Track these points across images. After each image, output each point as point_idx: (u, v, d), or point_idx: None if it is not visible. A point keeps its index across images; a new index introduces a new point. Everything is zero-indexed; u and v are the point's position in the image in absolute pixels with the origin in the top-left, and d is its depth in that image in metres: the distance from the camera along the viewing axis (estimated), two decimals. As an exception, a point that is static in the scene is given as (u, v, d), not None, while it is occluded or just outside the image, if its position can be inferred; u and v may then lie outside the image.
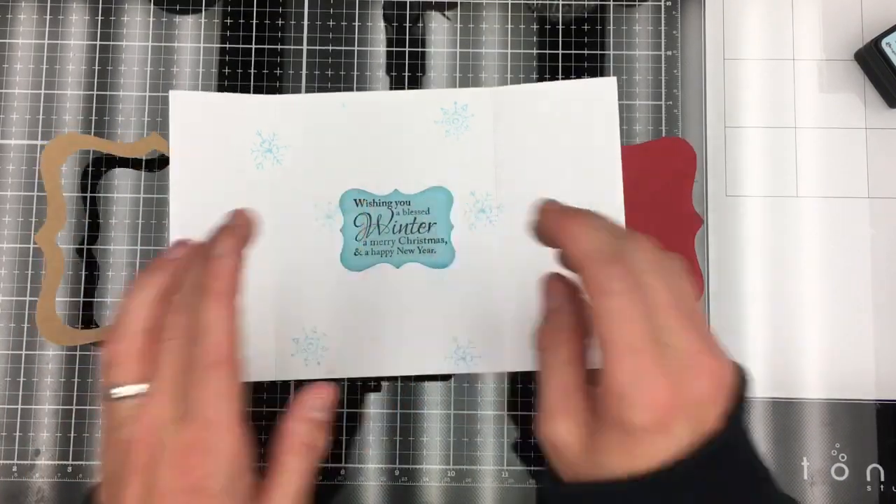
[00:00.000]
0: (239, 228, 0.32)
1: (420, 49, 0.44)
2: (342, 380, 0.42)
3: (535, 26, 0.44)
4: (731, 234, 0.43)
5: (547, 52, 0.44)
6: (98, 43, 0.44)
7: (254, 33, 0.44)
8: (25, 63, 0.43)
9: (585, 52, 0.44)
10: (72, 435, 0.41)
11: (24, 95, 0.43)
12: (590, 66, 0.44)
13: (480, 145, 0.42)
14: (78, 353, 0.42)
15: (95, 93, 0.43)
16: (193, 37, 0.44)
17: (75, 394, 0.41)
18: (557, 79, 0.44)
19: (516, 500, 0.41)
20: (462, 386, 0.42)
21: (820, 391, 0.42)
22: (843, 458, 0.41)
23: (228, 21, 0.44)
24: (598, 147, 0.42)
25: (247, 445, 0.29)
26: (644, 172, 0.42)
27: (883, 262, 0.43)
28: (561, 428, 0.28)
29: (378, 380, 0.42)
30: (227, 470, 0.28)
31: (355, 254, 0.42)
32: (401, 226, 0.42)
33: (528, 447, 0.42)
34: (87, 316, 0.42)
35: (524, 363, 0.41)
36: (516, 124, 0.42)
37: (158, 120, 0.43)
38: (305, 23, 0.44)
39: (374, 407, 0.42)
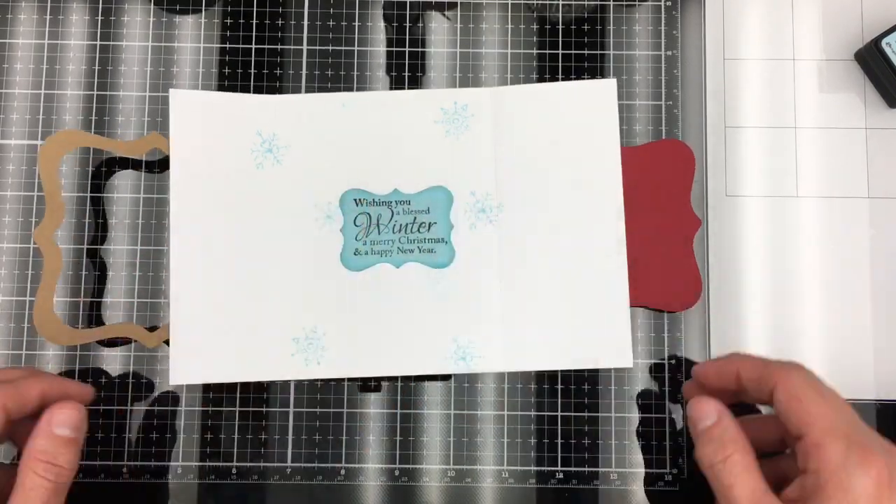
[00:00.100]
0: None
1: (420, 49, 0.44)
2: (342, 379, 0.42)
3: (535, 26, 0.44)
4: (731, 234, 0.43)
5: (547, 52, 0.44)
6: (98, 43, 0.44)
7: (254, 33, 0.44)
8: (25, 63, 0.43)
9: (585, 52, 0.44)
10: (72, 435, 0.41)
11: (24, 95, 0.43)
12: (590, 67, 0.44)
13: (480, 145, 0.42)
14: (78, 353, 0.42)
15: (95, 93, 0.43)
16: (193, 37, 0.44)
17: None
18: (558, 79, 0.44)
19: (516, 500, 0.41)
20: (462, 386, 0.42)
21: (820, 391, 0.42)
22: (843, 458, 0.41)
23: (228, 21, 0.44)
24: (598, 148, 0.42)
25: None
26: (643, 174, 0.42)
27: (883, 262, 0.43)
28: None
29: (378, 380, 0.42)
30: None
31: (355, 253, 0.42)
32: (401, 225, 0.42)
33: (528, 447, 0.42)
34: (86, 315, 0.42)
35: (524, 363, 0.41)
36: (516, 124, 0.42)
37: (159, 120, 0.43)
38: (305, 23, 0.44)
39: (374, 407, 0.42)
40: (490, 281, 0.41)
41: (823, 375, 0.42)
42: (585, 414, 0.42)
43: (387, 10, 0.44)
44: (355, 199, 0.42)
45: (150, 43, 0.44)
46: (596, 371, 0.42)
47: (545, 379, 0.42)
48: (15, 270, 0.42)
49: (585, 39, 0.44)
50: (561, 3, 0.44)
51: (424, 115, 0.42)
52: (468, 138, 0.42)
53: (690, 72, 0.44)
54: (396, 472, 0.41)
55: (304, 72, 0.44)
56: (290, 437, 0.42)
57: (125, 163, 0.43)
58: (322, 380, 0.42)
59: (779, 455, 0.37)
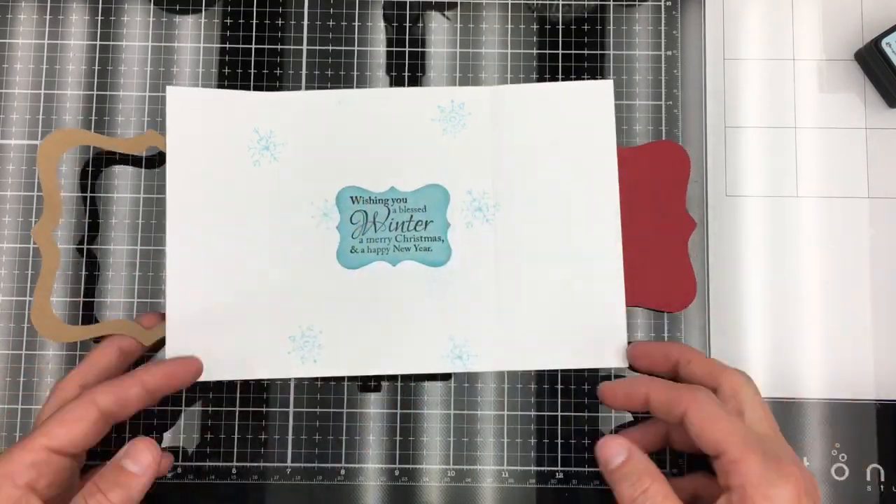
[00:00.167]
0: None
1: (420, 49, 0.44)
2: (341, 379, 0.42)
3: (535, 26, 0.44)
4: (731, 234, 0.43)
5: (547, 52, 0.44)
6: (98, 43, 0.44)
7: (254, 33, 0.44)
8: (25, 63, 0.43)
9: (585, 52, 0.44)
10: (72, 435, 0.41)
11: (24, 95, 0.43)
12: (590, 67, 0.44)
13: (478, 144, 0.42)
14: (78, 353, 0.42)
15: (95, 93, 0.43)
16: (193, 37, 0.44)
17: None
18: (557, 79, 0.44)
19: (516, 500, 0.41)
20: (462, 386, 0.42)
21: (820, 391, 0.42)
22: (843, 458, 0.41)
23: (228, 21, 0.44)
24: (595, 148, 0.42)
25: None
26: (639, 175, 0.42)
27: (883, 262, 0.43)
28: None
29: (378, 379, 0.42)
30: None
31: (351, 251, 0.42)
32: (397, 223, 0.42)
33: (528, 447, 0.42)
34: (86, 315, 0.42)
35: (520, 362, 0.41)
36: (514, 124, 0.42)
37: (158, 120, 0.43)
38: (305, 23, 0.44)
39: (374, 407, 0.42)
40: (486, 280, 0.41)
41: (823, 375, 0.42)
42: (585, 414, 0.42)
43: (387, 10, 0.44)
44: (352, 197, 0.42)
45: (149, 43, 0.44)
46: (596, 371, 0.42)
47: (545, 379, 0.42)
48: (14, 270, 0.42)
49: (585, 39, 0.44)
50: (561, 3, 0.44)
51: (422, 113, 0.42)
52: (465, 137, 0.42)
53: (690, 72, 0.44)
54: (396, 472, 0.41)
55: (303, 72, 0.44)
56: (290, 437, 0.42)
57: (125, 160, 0.43)
58: (319, 378, 0.42)
59: (685, 476, 0.40)
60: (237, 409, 0.42)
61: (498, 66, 0.44)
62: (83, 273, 0.42)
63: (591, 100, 0.42)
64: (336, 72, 0.44)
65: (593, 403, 0.42)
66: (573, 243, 0.41)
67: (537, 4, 0.44)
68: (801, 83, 0.44)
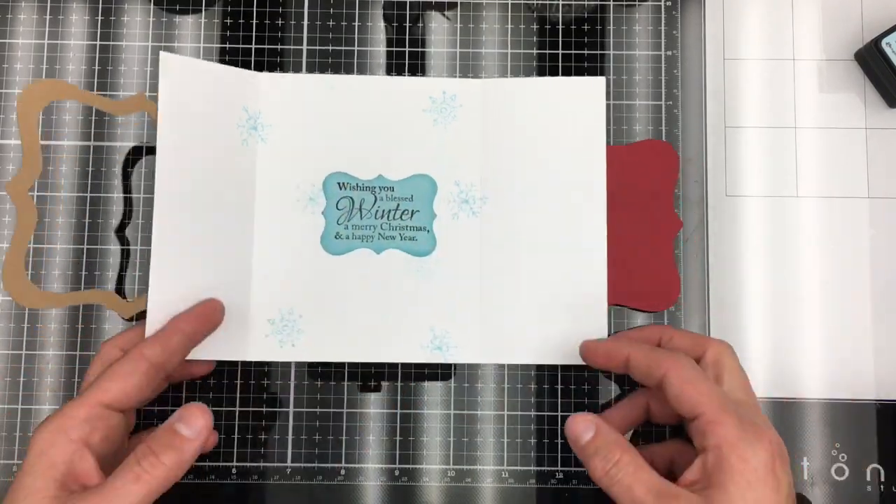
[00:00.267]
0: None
1: (420, 49, 0.44)
2: (342, 378, 0.42)
3: (534, 26, 0.44)
4: (731, 234, 0.43)
5: (547, 52, 0.44)
6: (98, 43, 0.44)
7: (254, 33, 0.44)
8: (25, 63, 0.43)
9: (585, 52, 0.44)
10: (72, 435, 0.41)
11: (24, 95, 0.43)
12: (590, 66, 0.44)
13: (467, 136, 0.42)
14: (78, 353, 0.42)
15: (95, 93, 0.43)
16: (193, 37, 0.44)
17: (75, 394, 0.41)
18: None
19: (516, 500, 0.41)
20: (462, 386, 0.42)
21: (820, 391, 0.42)
22: (843, 458, 0.41)
23: (228, 21, 0.44)
24: (584, 145, 0.42)
25: None
26: (628, 173, 0.42)
27: (883, 262, 0.43)
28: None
29: (378, 379, 0.42)
30: None
31: (336, 237, 0.42)
32: (383, 211, 0.42)
33: (528, 447, 0.42)
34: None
35: (500, 356, 0.41)
36: (504, 117, 0.42)
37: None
38: (305, 23, 0.44)
39: (374, 407, 0.42)
40: (470, 272, 0.41)
41: (823, 375, 0.42)
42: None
43: (387, 10, 0.44)
44: (339, 183, 0.42)
45: (150, 43, 0.44)
46: (596, 371, 0.42)
47: (545, 379, 0.42)
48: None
49: (585, 39, 0.44)
50: (561, 3, 0.44)
51: (413, 103, 0.42)
52: (456, 128, 0.42)
53: (690, 72, 0.44)
54: (396, 472, 0.41)
55: (304, 72, 0.44)
56: (290, 437, 0.42)
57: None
58: (318, 374, 0.42)
59: (661, 443, 0.40)
60: (237, 409, 0.42)
61: (498, 66, 0.44)
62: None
63: (583, 96, 0.42)
64: (336, 72, 0.44)
65: (593, 403, 0.42)
66: (558, 239, 0.41)
67: (537, 4, 0.44)
68: (801, 83, 0.44)
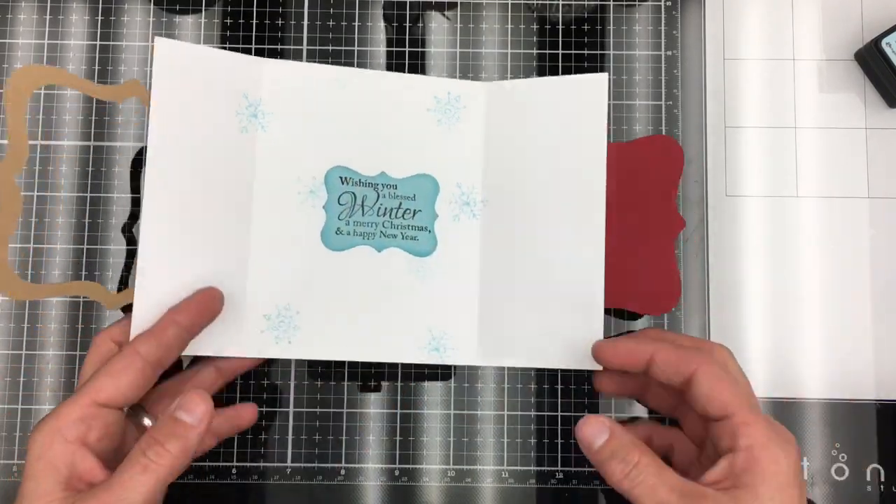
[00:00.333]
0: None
1: (420, 49, 0.44)
2: (342, 378, 0.42)
3: (535, 26, 0.44)
4: (731, 234, 0.43)
5: (547, 52, 0.44)
6: (98, 43, 0.44)
7: (254, 33, 0.44)
8: (25, 62, 0.43)
9: (585, 52, 0.44)
10: (72, 435, 0.41)
11: (24, 95, 0.43)
12: (590, 66, 0.44)
13: (470, 138, 0.41)
14: (78, 353, 0.42)
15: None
16: (193, 37, 0.44)
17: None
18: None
19: (516, 500, 0.41)
20: (462, 386, 0.42)
21: (820, 391, 0.42)
22: (843, 458, 0.41)
23: (228, 21, 0.44)
24: (585, 143, 0.40)
25: None
26: (631, 170, 0.41)
27: (883, 262, 0.43)
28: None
29: (378, 379, 0.42)
30: None
31: (337, 233, 0.41)
32: (386, 209, 0.41)
33: (528, 447, 0.42)
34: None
35: (497, 359, 0.41)
36: (507, 120, 0.41)
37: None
38: (305, 23, 0.44)
39: (374, 407, 0.42)
40: (469, 275, 0.41)
41: (823, 375, 0.42)
42: (585, 414, 0.42)
43: (387, 10, 0.44)
44: (341, 177, 0.41)
45: (150, 43, 0.44)
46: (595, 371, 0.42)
47: (545, 379, 0.42)
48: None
49: (585, 39, 0.44)
50: (561, 3, 0.44)
51: (418, 101, 0.41)
52: (459, 130, 0.41)
53: (690, 72, 0.44)
54: (396, 472, 0.41)
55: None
56: (290, 437, 0.42)
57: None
58: (318, 374, 0.42)
59: (638, 426, 0.40)
60: (237, 409, 0.42)
61: (498, 66, 0.44)
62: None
63: (585, 94, 0.40)
64: (336, 72, 0.44)
65: (593, 403, 0.42)
66: (556, 241, 0.40)
67: (537, 4, 0.44)
68: (801, 83, 0.44)
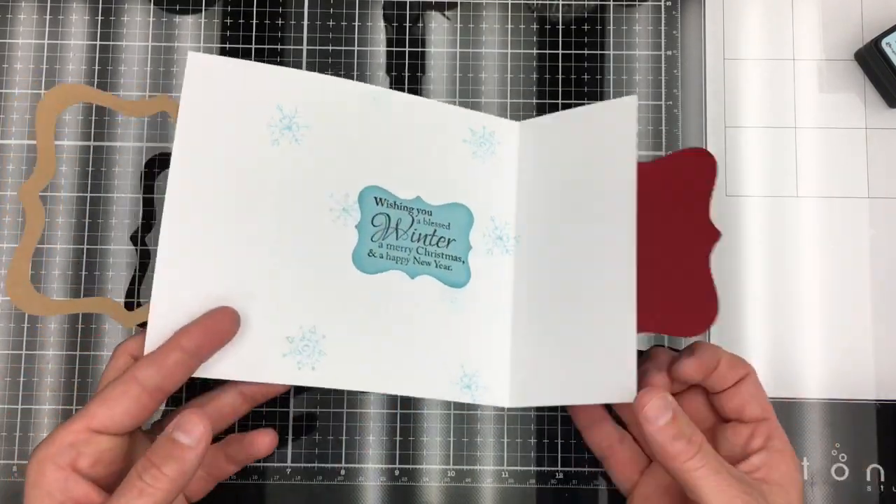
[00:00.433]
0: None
1: (420, 49, 0.44)
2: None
3: (535, 26, 0.44)
4: (731, 234, 0.43)
5: (547, 52, 0.44)
6: (98, 43, 0.44)
7: (254, 33, 0.44)
8: (25, 63, 0.43)
9: (585, 52, 0.44)
10: (72, 435, 0.41)
11: (24, 95, 0.43)
12: (590, 66, 0.44)
13: (505, 173, 0.40)
14: (78, 352, 0.42)
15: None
16: (193, 37, 0.44)
17: (75, 394, 0.41)
18: (557, 79, 0.44)
19: (516, 500, 0.41)
20: (462, 386, 0.42)
21: (820, 391, 0.42)
22: (843, 458, 0.41)
23: (228, 21, 0.44)
24: (614, 170, 0.37)
25: None
26: (660, 189, 0.38)
27: (883, 262, 0.43)
28: None
29: (378, 380, 0.42)
30: None
31: (369, 255, 0.38)
32: (420, 235, 0.39)
33: (528, 447, 0.42)
34: (73, 289, 0.42)
35: (527, 398, 0.38)
36: (539, 158, 0.40)
37: (158, 119, 0.43)
38: (305, 23, 0.44)
39: (374, 407, 0.42)
40: (502, 311, 0.39)
41: (823, 375, 0.42)
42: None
43: (387, 10, 0.44)
44: (376, 198, 0.39)
45: (150, 43, 0.44)
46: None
47: (545, 379, 0.42)
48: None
49: (585, 39, 0.44)
50: (561, 3, 0.44)
51: (455, 132, 0.40)
52: (494, 164, 0.40)
53: (690, 72, 0.44)
54: (396, 472, 0.41)
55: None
56: (290, 437, 0.42)
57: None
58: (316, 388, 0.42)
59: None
60: (237, 409, 0.42)
61: (498, 67, 0.44)
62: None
63: (614, 119, 0.38)
64: (336, 72, 0.44)
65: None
66: (586, 276, 0.37)
67: (537, 4, 0.44)
68: (801, 83, 0.44)
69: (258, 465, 0.41)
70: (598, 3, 0.44)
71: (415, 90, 0.44)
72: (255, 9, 0.44)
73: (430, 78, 0.44)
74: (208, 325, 0.35)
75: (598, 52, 0.44)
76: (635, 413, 0.33)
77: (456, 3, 0.44)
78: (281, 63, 0.44)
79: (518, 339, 0.39)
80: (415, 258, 0.39)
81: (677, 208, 0.38)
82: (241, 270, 0.37)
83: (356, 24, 0.44)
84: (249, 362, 0.36)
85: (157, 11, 0.44)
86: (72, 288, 0.42)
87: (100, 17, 0.44)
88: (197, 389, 0.40)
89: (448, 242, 0.39)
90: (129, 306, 0.42)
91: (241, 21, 0.44)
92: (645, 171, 0.37)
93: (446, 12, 0.44)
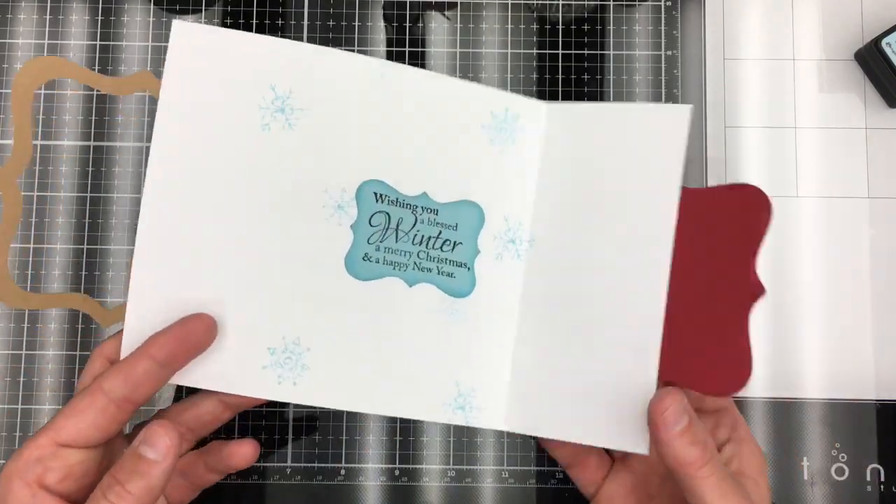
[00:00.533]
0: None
1: (420, 49, 0.44)
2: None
3: (535, 26, 0.44)
4: (731, 234, 0.43)
5: (547, 52, 0.44)
6: (98, 43, 0.44)
7: (254, 33, 0.44)
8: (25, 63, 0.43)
9: (585, 52, 0.44)
10: (72, 435, 0.41)
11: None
12: (590, 66, 0.44)
13: (524, 165, 0.35)
14: (78, 353, 0.42)
15: (95, 93, 0.43)
16: (193, 37, 0.44)
17: (75, 394, 0.41)
18: (557, 79, 0.44)
19: (516, 500, 0.41)
20: (462, 386, 0.42)
21: (820, 391, 0.42)
22: (843, 458, 0.41)
23: (228, 21, 0.44)
24: (655, 187, 0.33)
25: None
26: (705, 222, 0.33)
27: (883, 262, 0.43)
28: None
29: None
30: None
31: (364, 259, 0.35)
32: (423, 237, 0.35)
33: (528, 447, 0.42)
34: (73, 289, 0.42)
35: (525, 427, 0.35)
36: (568, 150, 0.35)
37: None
38: (305, 23, 0.44)
39: (374, 407, 0.42)
40: (506, 326, 0.35)
41: (823, 375, 0.42)
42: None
43: (387, 10, 0.44)
44: (376, 194, 0.35)
45: (150, 43, 0.44)
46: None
47: (545, 379, 0.42)
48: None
49: (585, 39, 0.44)
50: (561, 3, 0.44)
51: (472, 115, 0.35)
52: (513, 153, 0.35)
53: (690, 72, 0.44)
54: (396, 472, 0.41)
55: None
56: (290, 437, 0.42)
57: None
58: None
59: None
60: (237, 409, 0.42)
61: (498, 67, 0.44)
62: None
63: (662, 126, 0.34)
64: (336, 72, 0.44)
65: (593, 403, 0.42)
66: (607, 300, 0.34)
67: (537, 4, 0.44)
68: (801, 83, 0.44)
69: (258, 465, 0.41)
70: (598, 3, 0.44)
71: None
72: (255, 9, 0.44)
73: (430, 78, 0.44)
74: (180, 334, 0.32)
75: (598, 52, 0.44)
76: (650, 415, 0.31)
77: (456, 3, 0.44)
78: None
79: (521, 359, 0.35)
80: (415, 264, 0.35)
81: (719, 252, 0.33)
82: (222, 272, 0.34)
83: (356, 24, 0.44)
84: (226, 373, 0.34)
85: (157, 11, 0.44)
86: (72, 288, 0.42)
87: (100, 17, 0.44)
88: (184, 392, 0.39)
89: (454, 246, 0.35)
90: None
91: (242, 21, 0.44)
92: (686, 196, 0.33)
93: (446, 12, 0.44)
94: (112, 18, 0.44)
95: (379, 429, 0.42)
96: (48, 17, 0.44)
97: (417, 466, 0.41)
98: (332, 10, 0.44)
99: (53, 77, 0.38)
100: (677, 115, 0.34)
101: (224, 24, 0.44)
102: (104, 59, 0.43)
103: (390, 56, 0.44)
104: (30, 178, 0.43)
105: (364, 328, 0.35)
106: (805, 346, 0.42)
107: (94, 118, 0.43)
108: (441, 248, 0.35)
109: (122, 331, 0.33)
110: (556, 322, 0.35)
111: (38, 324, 0.42)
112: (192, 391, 0.35)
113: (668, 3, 0.44)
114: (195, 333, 0.33)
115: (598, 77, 0.44)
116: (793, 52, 0.44)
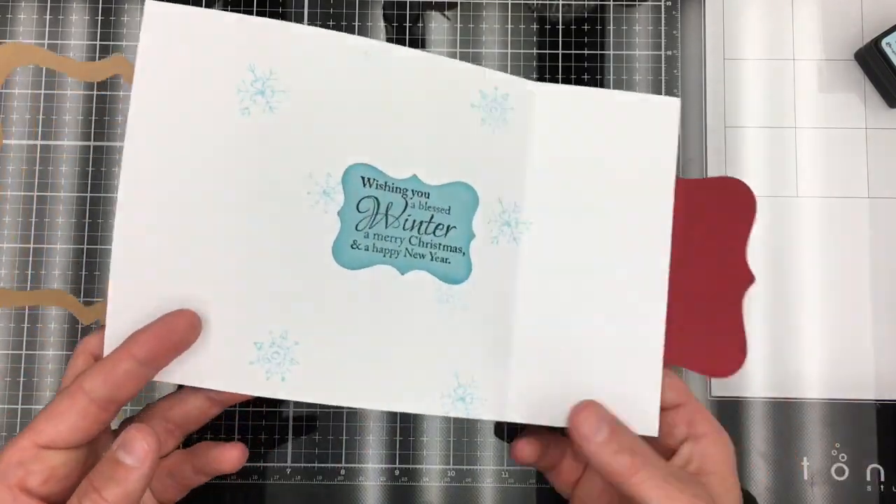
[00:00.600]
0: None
1: (420, 49, 0.44)
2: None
3: (535, 26, 0.44)
4: (731, 234, 0.43)
5: (547, 52, 0.44)
6: (98, 43, 0.44)
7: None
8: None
9: (585, 52, 0.44)
10: (72, 435, 0.41)
11: (24, 95, 0.43)
12: (590, 66, 0.44)
13: (517, 145, 0.35)
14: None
15: (95, 93, 0.43)
16: (193, 37, 0.44)
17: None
18: (558, 80, 0.44)
19: (516, 500, 0.41)
20: (462, 386, 0.42)
21: (820, 391, 0.42)
22: (843, 458, 0.41)
23: (228, 21, 0.44)
24: (650, 176, 0.35)
25: None
26: (695, 211, 0.35)
27: (883, 262, 0.43)
28: None
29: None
30: None
31: (353, 246, 0.33)
32: (414, 222, 0.34)
33: (528, 447, 0.42)
34: (73, 289, 0.42)
35: (530, 415, 0.34)
36: (560, 131, 0.35)
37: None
38: (305, 23, 0.44)
39: (374, 407, 0.42)
40: (504, 312, 0.34)
41: (823, 375, 0.42)
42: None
43: (387, 10, 0.44)
44: (363, 178, 0.33)
45: (150, 43, 0.44)
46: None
47: (545, 379, 0.42)
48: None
49: (585, 39, 0.44)
50: (561, 3, 0.44)
51: (461, 93, 0.34)
52: (505, 133, 0.35)
53: (690, 72, 0.44)
54: (396, 472, 0.41)
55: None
56: (290, 437, 0.42)
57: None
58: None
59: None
60: (237, 408, 0.42)
61: (498, 67, 0.44)
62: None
63: (653, 118, 0.35)
64: (336, 72, 0.44)
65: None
66: (611, 284, 0.34)
67: (537, 4, 0.44)
68: (801, 83, 0.44)
69: (258, 465, 0.41)
70: (598, 3, 0.44)
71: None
72: (255, 9, 0.44)
73: (430, 78, 0.44)
74: (162, 331, 0.31)
75: (598, 52, 0.44)
76: (569, 431, 0.32)
77: (456, 3, 0.44)
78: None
79: (522, 346, 0.34)
80: (407, 250, 0.34)
81: (711, 239, 0.35)
82: (205, 265, 0.32)
83: (356, 24, 0.44)
84: (212, 370, 0.32)
85: (157, 11, 0.44)
86: (72, 288, 0.42)
87: (100, 17, 0.44)
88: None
89: (447, 230, 0.34)
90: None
91: (241, 21, 0.44)
92: (680, 186, 0.35)
93: (446, 12, 0.44)
94: (112, 18, 0.44)
95: (379, 429, 0.42)
96: (48, 17, 0.44)
97: (417, 466, 0.41)
98: (332, 10, 0.44)
99: (27, 64, 0.36)
100: (665, 108, 0.35)
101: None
102: (104, 59, 0.43)
103: (390, 56, 0.44)
104: (30, 179, 0.43)
105: (355, 320, 0.33)
106: (805, 346, 0.42)
107: (94, 118, 0.43)
108: (434, 232, 0.34)
109: (100, 330, 0.33)
110: (556, 307, 0.35)
111: (38, 323, 0.42)
112: (180, 385, 0.34)
113: (668, 3, 0.44)
114: (177, 331, 0.32)
115: (598, 77, 0.44)
116: (793, 51, 0.44)
